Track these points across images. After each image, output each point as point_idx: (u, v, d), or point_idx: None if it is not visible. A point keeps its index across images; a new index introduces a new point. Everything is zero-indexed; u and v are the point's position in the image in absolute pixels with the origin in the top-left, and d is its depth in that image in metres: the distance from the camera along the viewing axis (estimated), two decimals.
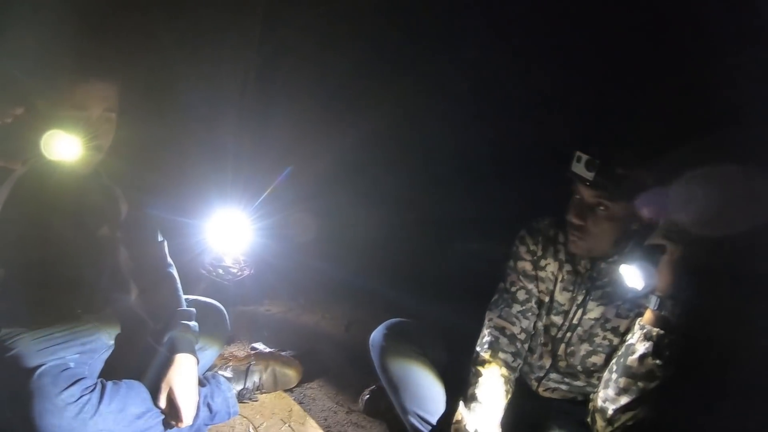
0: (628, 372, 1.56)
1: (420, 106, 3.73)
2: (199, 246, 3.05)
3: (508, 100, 3.47)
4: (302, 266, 3.32)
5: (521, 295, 1.90)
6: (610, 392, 1.58)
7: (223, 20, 3.28)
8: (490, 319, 1.91)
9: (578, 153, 1.64)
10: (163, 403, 1.81)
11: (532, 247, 1.90)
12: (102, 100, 1.76)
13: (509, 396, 1.80)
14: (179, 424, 1.81)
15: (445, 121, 3.73)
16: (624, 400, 1.55)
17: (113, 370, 1.90)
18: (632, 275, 1.59)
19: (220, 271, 3.09)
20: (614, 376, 1.59)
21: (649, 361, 1.53)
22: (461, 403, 1.78)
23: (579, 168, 1.63)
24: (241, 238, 3.10)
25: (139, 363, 1.92)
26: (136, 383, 1.84)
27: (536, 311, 1.90)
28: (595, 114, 1.75)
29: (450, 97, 3.73)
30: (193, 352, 1.90)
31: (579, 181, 1.66)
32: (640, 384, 1.54)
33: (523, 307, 1.89)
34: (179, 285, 2.06)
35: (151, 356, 1.90)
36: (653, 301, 1.56)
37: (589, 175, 1.61)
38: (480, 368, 1.82)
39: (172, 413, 1.81)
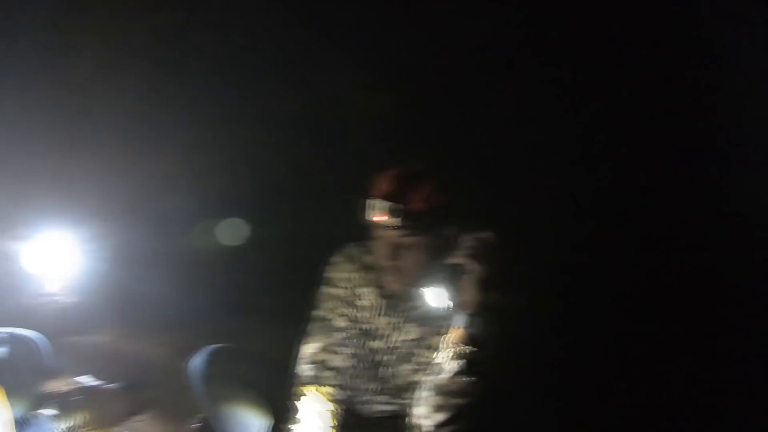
0: (440, 390, 1.59)
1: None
2: (18, 272, 2.84)
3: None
4: (133, 291, 3.18)
5: (341, 323, 1.86)
6: (425, 410, 1.61)
7: None
8: (312, 352, 1.84)
9: (371, 201, 1.65)
10: None
11: (348, 275, 1.87)
12: None
13: (336, 427, 1.79)
14: None
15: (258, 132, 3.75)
16: (440, 417, 1.58)
17: None
18: (436, 296, 1.61)
19: (44, 299, 2.89)
20: (427, 394, 1.61)
21: (461, 378, 1.57)
22: None
23: (376, 216, 1.64)
24: (66, 261, 2.92)
25: None
26: None
27: (357, 337, 1.86)
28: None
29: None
30: None
31: (381, 228, 1.66)
32: (453, 401, 1.58)
33: (345, 334, 1.85)
34: None
35: None
36: (460, 319, 1.59)
37: (391, 221, 1.62)
38: (299, 404, 1.78)
39: None
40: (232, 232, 3.65)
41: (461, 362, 1.58)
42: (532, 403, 1.88)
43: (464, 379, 1.58)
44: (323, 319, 1.87)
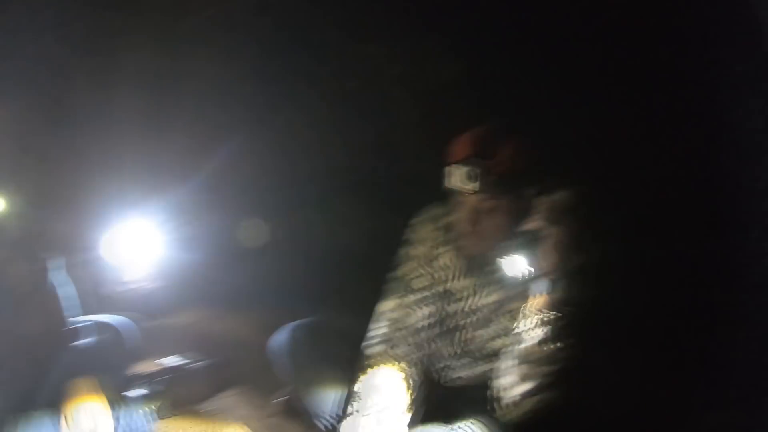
0: (526, 359, 1.56)
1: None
2: (105, 259, 2.94)
3: None
4: (216, 273, 3.24)
5: (419, 283, 1.83)
6: (512, 379, 1.58)
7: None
8: (385, 312, 1.83)
9: (450, 168, 1.62)
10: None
11: (429, 234, 1.84)
12: None
13: (412, 391, 1.76)
14: None
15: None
16: (527, 386, 1.56)
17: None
18: (518, 261, 1.58)
19: (130, 284, 2.99)
20: (513, 363, 1.58)
21: (548, 345, 1.53)
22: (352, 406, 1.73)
23: (457, 182, 1.61)
24: (150, 247, 3.01)
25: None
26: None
27: (434, 298, 1.83)
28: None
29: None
30: (88, 374, 1.84)
31: (461, 194, 1.63)
32: (541, 369, 1.55)
33: (422, 295, 1.82)
34: (61, 304, 1.97)
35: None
36: (544, 285, 1.55)
37: (472, 186, 1.59)
38: (373, 366, 1.77)
39: None
40: (313, 213, 3.67)
41: (547, 329, 1.54)
42: (621, 369, 1.80)
43: (551, 346, 1.54)
44: (401, 279, 1.85)
